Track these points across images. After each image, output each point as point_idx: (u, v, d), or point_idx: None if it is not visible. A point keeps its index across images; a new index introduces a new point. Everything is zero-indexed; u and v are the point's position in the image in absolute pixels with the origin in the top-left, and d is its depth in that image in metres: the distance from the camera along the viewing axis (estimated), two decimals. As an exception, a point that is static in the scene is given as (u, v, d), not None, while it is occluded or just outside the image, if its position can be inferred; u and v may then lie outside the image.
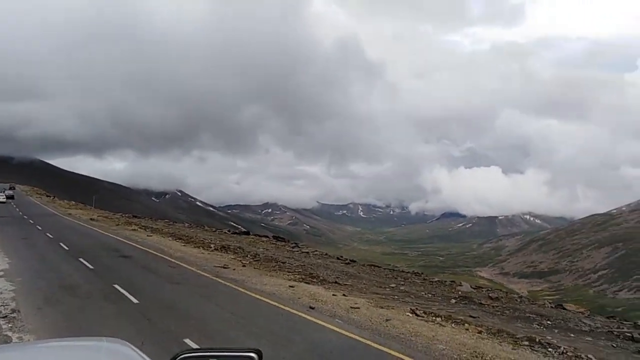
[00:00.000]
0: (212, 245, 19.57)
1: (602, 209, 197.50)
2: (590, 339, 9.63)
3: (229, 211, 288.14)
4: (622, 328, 10.92)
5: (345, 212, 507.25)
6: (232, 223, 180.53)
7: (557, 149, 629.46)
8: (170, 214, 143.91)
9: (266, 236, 27.44)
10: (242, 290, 11.57)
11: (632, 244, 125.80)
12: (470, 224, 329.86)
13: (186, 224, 34.36)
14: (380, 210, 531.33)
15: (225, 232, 27.54)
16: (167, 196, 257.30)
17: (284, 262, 16.64)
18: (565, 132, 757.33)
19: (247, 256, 17.45)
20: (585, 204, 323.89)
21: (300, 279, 13.59)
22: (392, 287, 14.11)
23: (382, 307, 10.54)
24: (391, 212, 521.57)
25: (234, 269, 14.30)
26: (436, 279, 17.14)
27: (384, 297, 12.17)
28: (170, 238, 21.87)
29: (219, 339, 7.54)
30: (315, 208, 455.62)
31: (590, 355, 7.89)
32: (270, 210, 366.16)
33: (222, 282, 12.38)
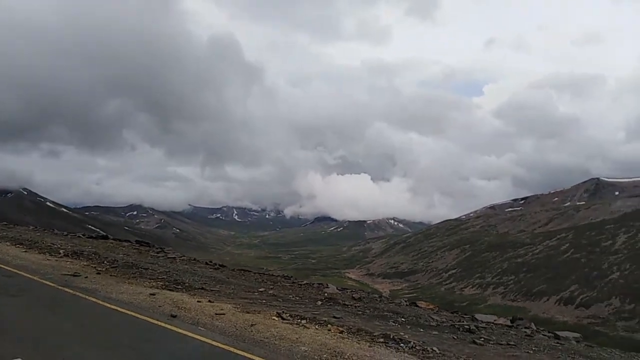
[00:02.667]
0: (61, 251, 17.45)
1: (454, 215, 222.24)
2: (436, 332, 10.60)
3: (87, 213, 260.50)
4: (463, 321, 12.25)
5: (219, 215, 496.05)
6: (89, 226, 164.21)
7: (418, 160, 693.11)
8: (13, 215, 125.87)
9: (128, 240, 25.37)
10: (94, 300, 10.48)
11: (476, 246, 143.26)
12: (342, 228, 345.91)
13: (31, 227, 30.21)
14: (255, 214, 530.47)
15: (79, 236, 24.81)
16: (8, 195, 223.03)
17: (146, 269, 15.52)
18: (425, 145, 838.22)
19: (103, 262, 15.92)
20: (440, 210, 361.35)
21: (163, 286, 12.79)
22: (261, 291, 14.02)
23: (248, 312, 10.37)
24: (267, 216, 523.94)
25: (86, 277, 12.91)
26: (305, 282, 17.48)
27: (251, 301, 12.01)
28: (8, 243, 18.97)
29: (59, 356, 6.69)
30: (187, 211, 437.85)
31: (435, 347, 8.67)
32: (135, 212, 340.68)
33: (71, 292, 11.08)
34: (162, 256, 20.13)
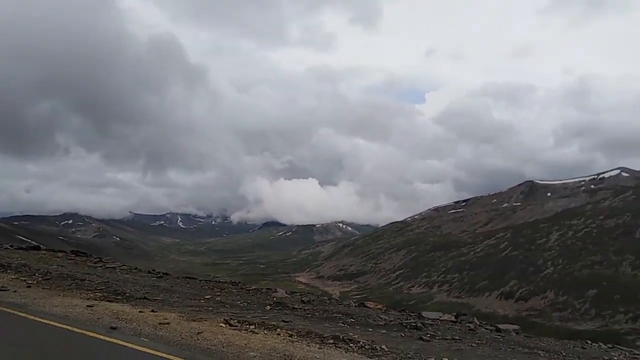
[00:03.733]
0: (-13, 265, 16.17)
1: (400, 217, 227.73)
2: (385, 331, 10.73)
3: (15, 223, 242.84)
4: (410, 319, 12.49)
5: (162, 222, 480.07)
6: (19, 237, 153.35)
7: (364, 165, 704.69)
8: None
9: (63, 251, 23.91)
10: (25, 315, 9.75)
11: (422, 247, 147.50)
12: (290, 232, 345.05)
13: (-46, 240, 27.88)
14: (201, 220, 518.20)
15: (6, 248, 23.12)
16: None
17: (82, 280, 14.67)
18: (370, 150, 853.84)
19: (34, 275, 14.89)
20: (387, 212, 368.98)
21: (102, 297, 12.13)
22: (207, 299, 13.63)
23: (194, 320, 10.02)
24: (213, 222, 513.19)
25: (15, 291, 12.01)
26: (253, 287, 17.20)
27: (197, 309, 11.63)
28: None
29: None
30: (128, 218, 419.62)
31: (383, 346, 8.75)
32: (71, 221, 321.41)
33: (-2, 307, 10.26)
34: (101, 266, 19.13)
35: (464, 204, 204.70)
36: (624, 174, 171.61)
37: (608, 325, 79.13)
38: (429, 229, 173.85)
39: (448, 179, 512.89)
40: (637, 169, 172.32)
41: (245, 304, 13.33)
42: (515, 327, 13.78)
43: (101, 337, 8.32)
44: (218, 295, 14.43)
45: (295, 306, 13.31)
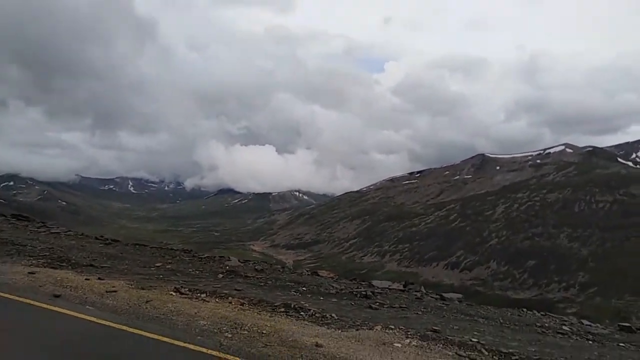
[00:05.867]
0: None
1: (356, 187, 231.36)
2: (335, 300, 10.99)
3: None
4: (360, 288, 12.83)
5: (112, 186, 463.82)
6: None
7: (322, 133, 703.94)
8: None
9: (3, 215, 22.74)
10: (-41, 282, 9.26)
11: (376, 217, 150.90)
12: (246, 200, 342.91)
13: None
14: (153, 185, 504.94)
15: (-60, 211, 21.78)
16: None
17: (24, 246, 14.04)
18: (328, 117, 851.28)
19: (-29, 240, 14.11)
20: (343, 182, 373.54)
21: (45, 264, 11.67)
22: (158, 266, 13.42)
23: (143, 289, 9.86)
24: (165, 188, 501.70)
25: (-52, 257, 11.36)
26: (206, 255, 17.06)
27: (147, 277, 11.44)
28: None
29: None
30: (74, 182, 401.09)
31: (333, 314, 8.97)
32: (12, 183, 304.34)
33: None
34: (44, 231, 18.34)
35: (417, 175, 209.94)
36: (568, 149, 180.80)
37: (543, 294, 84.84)
38: (383, 199, 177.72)
39: (403, 150, 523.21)
40: (581, 145, 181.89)
41: (198, 272, 13.23)
42: (459, 295, 14.47)
43: (44, 305, 8.06)
44: (169, 263, 14.24)
45: (248, 275, 13.34)
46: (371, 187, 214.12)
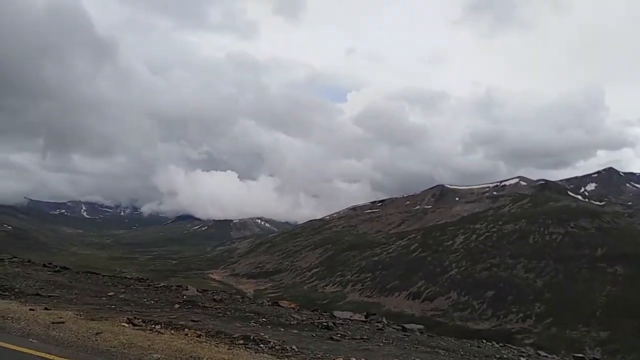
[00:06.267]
0: None
1: (319, 215, 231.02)
2: (296, 331, 10.75)
3: None
4: (322, 319, 12.64)
5: (63, 211, 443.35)
6: None
7: (285, 160, 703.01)
8: None
9: (-58, 240, 21.25)
10: None
11: (338, 245, 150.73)
12: (206, 227, 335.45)
13: None
14: (108, 210, 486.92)
15: None
16: None
17: (-36, 273, 13.13)
18: (291, 145, 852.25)
19: None
20: (306, 210, 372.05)
21: (-14, 293, 10.92)
22: (110, 296, 12.80)
23: (93, 320, 9.34)
24: (121, 213, 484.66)
25: None
26: (162, 284, 16.44)
27: (97, 307, 10.86)
28: None
29: None
30: (22, 205, 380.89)
31: (294, 346, 8.74)
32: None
33: None
34: (-11, 258, 17.24)
35: (380, 204, 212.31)
36: (522, 182, 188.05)
37: (502, 325, 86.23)
38: (346, 228, 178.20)
39: (366, 179, 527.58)
40: (534, 179, 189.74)
41: (153, 302, 12.70)
42: (420, 326, 14.47)
43: (-19, 338, 7.46)
44: (123, 293, 13.61)
45: (206, 305, 12.93)
46: (334, 215, 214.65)
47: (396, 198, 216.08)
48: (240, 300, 15.27)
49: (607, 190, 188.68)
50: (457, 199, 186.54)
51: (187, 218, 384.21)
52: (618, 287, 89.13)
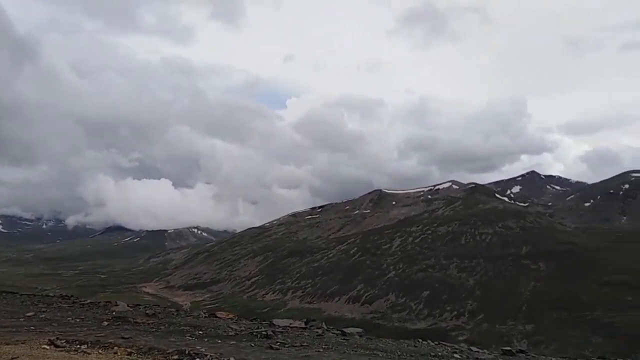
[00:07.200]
0: None
1: (258, 223, 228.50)
2: (234, 342, 10.45)
3: None
4: (261, 328, 12.40)
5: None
6: None
7: (222, 167, 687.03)
8: None
9: None
10: None
11: (278, 253, 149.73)
12: (138, 238, 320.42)
13: None
14: (28, 223, 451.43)
15: None
16: None
17: None
18: (229, 151, 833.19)
19: None
20: (244, 217, 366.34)
21: None
22: (29, 316, 11.80)
23: (8, 344, 8.51)
24: (43, 226, 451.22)
25: None
26: (89, 301, 15.43)
27: (14, 330, 9.96)
28: None
29: None
30: None
31: (232, 358, 8.48)
32: None
33: None
34: None
35: (319, 210, 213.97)
36: (454, 186, 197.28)
37: (437, 323, 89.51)
38: (286, 235, 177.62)
39: (305, 185, 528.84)
40: (465, 182, 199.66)
41: (78, 320, 11.86)
42: (359, 330, 14.62)
43: None
44: (44, 312, 12.60)
45: (138, 320, 12.28)
46: (274, 222, 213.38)
47: (336, 203, 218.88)
48: (175, 314, 14.66)
49: (530, 192, 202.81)
50: (394, 203, 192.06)
51: (117, 229, 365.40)
52: (541, 282, 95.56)
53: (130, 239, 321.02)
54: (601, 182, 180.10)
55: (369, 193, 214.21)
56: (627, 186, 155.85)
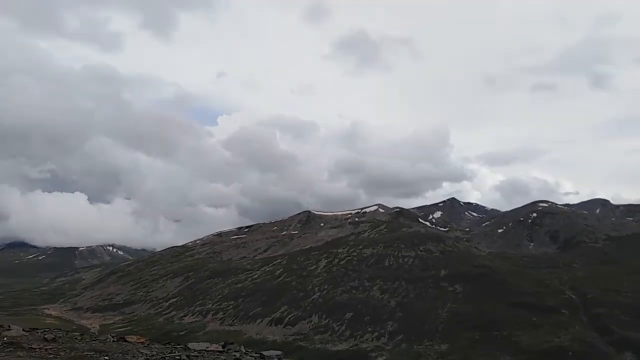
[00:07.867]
0: None
1: (181, 242, 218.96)
2: (144, 369, 9.57)
3: None
4: (174, 352, 11.54)
5: None
6: None
7: (145, 182, 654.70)
8: None
9: None
10: None
11: (200, 273, 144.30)
12: (44, 256, 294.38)
13: None
14: None
15: None
16: None
17: None
18: (152, 166, 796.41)
19: None
20: (166, 235, 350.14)
21: None
22: None
23: None
24: None
25: None
26: (-24, 324, 13.56)
27: None
28: None
29: None
30: None
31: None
32: None
33: None
34: None
35: (246, 230, 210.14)
36: (380, 209, 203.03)
37: (358, 345, 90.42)
38: (210, 255, 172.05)
39: (233, 204, 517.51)
40: (391, 206, 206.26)
41: (-42, 347, 10.30)
42: (278, 352, 14.14)
43: None
44: None
45: (34, 346, 10.94)
46: (197, 241, 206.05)
47: (263, 223, 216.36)
48: (79, 338, 13.29)
49: (450, 217, 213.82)
50: (322, 224, 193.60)
51: (20, 245, 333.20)
52: (457, 303, 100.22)
53: (34, 257, 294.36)
54: (512, 210, 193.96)
55: (298, 214, 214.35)
56: (534, 215, 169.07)
